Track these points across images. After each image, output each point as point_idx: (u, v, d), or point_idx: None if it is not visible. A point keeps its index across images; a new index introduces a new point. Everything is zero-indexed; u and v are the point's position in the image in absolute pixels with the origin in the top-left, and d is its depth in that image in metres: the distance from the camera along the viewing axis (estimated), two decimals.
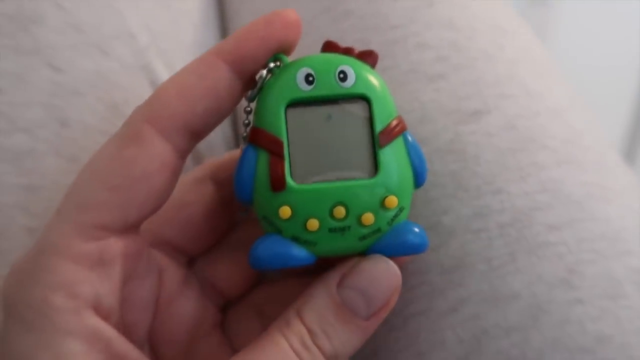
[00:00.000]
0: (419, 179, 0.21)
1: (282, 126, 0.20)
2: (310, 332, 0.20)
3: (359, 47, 0.22)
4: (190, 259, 0.24)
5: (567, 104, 0.27)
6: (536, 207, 0.23)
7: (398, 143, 0.21)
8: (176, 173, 0.21)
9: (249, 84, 0.21)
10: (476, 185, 0.24)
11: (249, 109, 0.21)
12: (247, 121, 0.21)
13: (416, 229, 0.21)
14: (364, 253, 0.21)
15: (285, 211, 0.20)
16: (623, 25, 0.75)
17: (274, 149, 0.20)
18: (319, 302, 0.20)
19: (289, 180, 0.20)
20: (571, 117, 0.26)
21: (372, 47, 0.26)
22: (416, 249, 0.21)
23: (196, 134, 0.20)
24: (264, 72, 0.21)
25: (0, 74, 0.25)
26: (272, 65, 0.21)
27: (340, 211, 0.20)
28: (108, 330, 0.19)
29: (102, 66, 0.27)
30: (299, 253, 0.20)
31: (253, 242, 0.22)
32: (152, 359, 0.22)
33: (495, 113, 0.25)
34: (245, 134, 0.22)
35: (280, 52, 0.21)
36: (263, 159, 0.20)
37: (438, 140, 0.24)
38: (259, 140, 0.20)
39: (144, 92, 0.27)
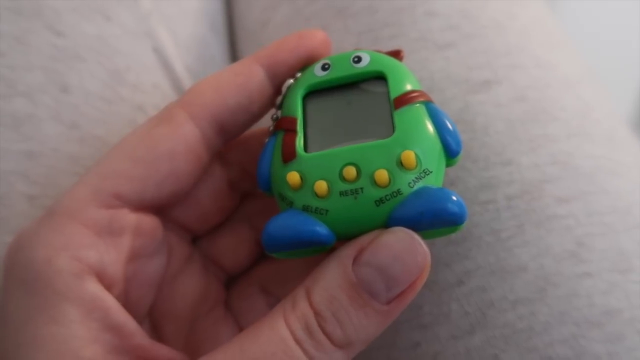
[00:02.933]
0: (450, 149, 0.19)
1: (297, 108, 0.21)
2: (318, 315, 0.17)
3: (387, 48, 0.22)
4: (195, 236, 0.24)
5: (579, 77, 0.26)
6: (546, 179, 0.23)
7: (418, 109, 0.19)
8: (201, 162, 0.21)
9: (279, 90, 0.22)
10: (485, 156, 0.23)
11: (275, 116, 0.22)
12: (271, 128, 0.22)
13: (453, 197, 0.18)
14: (385, 227, 0.18)
15: (293, 177, 0.19)
16: (624, 25, 0.74)
17: (288, 127, 0.20)
18: (331, 281, 0.18)
19: (299, 150, 0.19)
20: (583, 89, 0.26)
21: (379, 15, 0.26)
22: (450, 217, 0.17)
23: (225, 128, 0.21)
24: (291, 80, 0.22)
25: (0, 36, 0.24)
26: (299, 75, 0.22)
27: (350, 171, 0.18)
28: (108, 300, 0.19)
29: (104, 31, 0.26)
30: (317, 227, 0.18)
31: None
32: (152, 334, 0.22)
33: (505, 83, 0.24)
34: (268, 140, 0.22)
35: (310, 63, 0.22)
36: (279, 139, 0.20)
37: (447, 109, 0.24)
38: (278, 125, 0.21)
39: (146, 59, 0.27)
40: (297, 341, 0.17)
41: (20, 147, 0.24)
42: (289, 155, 0.19)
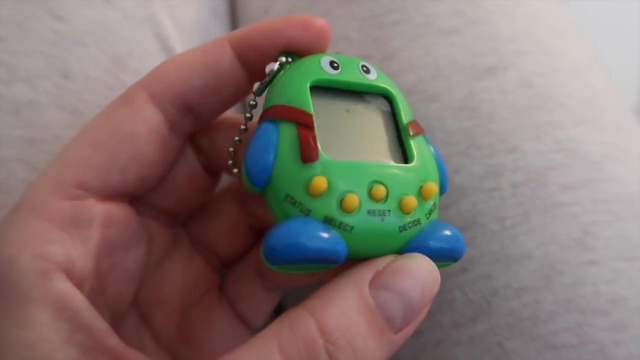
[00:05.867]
0: (444, 183, 0.19)
1: (308, 101, 0.18)
2: (330, 343, 0.15)
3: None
4: (181, 221, 0.23)
5: (586, 64, 0.26)
6: (551, 166, 0.23)
7: (425, 141, 0.19)
8: (167, 145, 0.20)
9: (256, 76, 0.20)
10: (490, 143, 0.23)
11: (253, 102, 0.20)
12: (249, 115, 0.20)
13: (458, 233, 0.18)
14: (399, 253, 0.17)
15: (319, 183, 0.16)
16: (624, 26, 0.73)
17: (303, 120, 0.17)
18: (347, 305, 0.15)
19: (322, 151, 0.17)
20: (589, 77, 0.25)
21: (384, 0, 0.26)
22: (459, 256, 0.18)
23: (194, 110, 0.20)
24: (276, 65, 0.19)
25: (0, 21, 0.24)
26: (283, 59, 0.20)
27: (380, 190, 0.17)
28: (77, 298, 0.17)
29: (105, 16, 0.26)
30: (337, 245, 0.16)
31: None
32: (141, 324, 0.22)
33: (511, 70, 0.24)
34: (244, 127, 0.20)
35: (290, 50, 0.19)
36: (287, 132, 0.17)
37: (451, 96, 0.24)
38: (282, 113, 0.18)
39: (148, 44, 0.26)
40: None
41: (20, 133, 0.24)
42: (310, 155, 0.17)
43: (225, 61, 0.19)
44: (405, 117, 0.19)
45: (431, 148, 0.19)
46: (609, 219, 0.22)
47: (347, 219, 0.16)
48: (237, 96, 0.20)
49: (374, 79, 0.19)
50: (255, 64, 0.20)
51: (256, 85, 0.20)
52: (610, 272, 0.21)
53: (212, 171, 0.23)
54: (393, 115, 0.19)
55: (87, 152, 0.18)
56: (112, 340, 0.18)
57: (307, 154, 0.17)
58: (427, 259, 0.17)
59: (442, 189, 0.19)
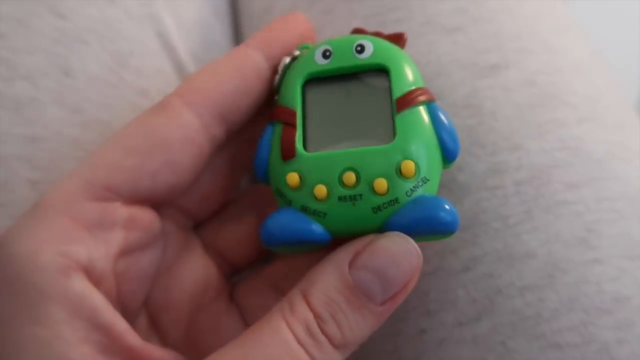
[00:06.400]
0: (448, 154, 0.19)
1: (296, 99, 0.20)
2: (318, 317, 0.18)
3: (388, 31, 0.21)
4: (196, 223, 0.23)
5: (589, 62, 0.26)
6: (555, 164, 0.22)
7: (420, 112, 0.19)
8: (202, 153, 0.20)
9: (276, 70, 0.21)
10: (493, 141, 0.23)
11: (277, 98, 0.21)
12: (275, 99, 0.21)
13: (446, 206, 0.18)
14: (380, 231, 0.19)
15: (293, 178, 0.19)
16: (626, 24, 0.73)
17: (287, 120, 0.20)
18: (329, 284, 0.18)
19: (299, 148, 0.19)
20: (593, 75, 0.25)
21: None
22: (443, 226, 0.18)
23: (227, 115, 0.20)
24: (287, 59, 0.21)
25: (1, 18, 0.24)
26: (297, 53, 0.21)
27: (350, 177, 0.18)
28: (96, 297, 0.18)
29: (107, 14, 0.26)
30: (312, 227, 0.19)
31: (261, 208, 0.21)
32: (150, 325, 0.22)
33: (514, 68, 0.24)
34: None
35: (307, 40, 0.21)
36: (277, 132, 0.20)
37: (454, 94, 0.23)
38: (276, 115, 0.20)
39: (150, 43, 0.26)
40: (300, 343, 0.17)
41: (22, 131, 0.24)
42: (288, 153, 0.19)
43: (251, 63, 0.21)
44: (400, 89, 0.19)
45: (427, 117, 0.19)
46: (613, 217, 0.22)
47: (320, 206, 0.19)
48: (265, 94, 0.21)
49: (368, 56, 0.20)
50: (279, 55, 0.21)
51: (276, 80, 0.21)
52: (614, 271, 0.21)
53: (239, 164, 0.23)
54: (390, 90, 0.20)
55: (118, 155, 0.19)
56: (131, 338, 0.18)
57: (284, 152, 0.19)
58: (403, 236, 0.18)
59: (447, 158, 0.20)
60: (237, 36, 0.32)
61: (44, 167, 0.24)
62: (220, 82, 0.20)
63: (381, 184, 0.18)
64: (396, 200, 0.18)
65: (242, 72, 0.20)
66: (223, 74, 0.20)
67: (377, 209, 0.18)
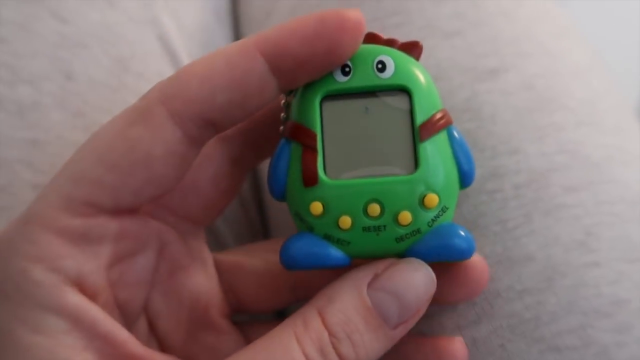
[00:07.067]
0: (465, 179, 0.20)
1: (316, 119, 0.19)
2: (333, 336, 0.17)
3: (402, 39, 0.20)
4: (202, 228, 0.23)
5: (588, 66, 0.26)
6: (553, 168, 0.23)
7: (441, 138, 0.19)
8: (185, 161, 0.19)
9: (289, 81, 0.19)
10: (492, 145, 0.23)
11: (284, 102, 0.21)
12: (284, 115, 0.21)
13: (462, 232, 0.19)
14: (400, 256, 0.19)
15: (317, 207, 0.19)
16: (626, 26, 0.73)
17: (307, 142, 0.19)
18: (347, 303, 0.18)
19: (321, 174, 0.19)
20: (591, 78, 0.25)
21: (386, 3, 0.26)
22: (460, 254, 0.19)
23: (214, 125, 0.18)
24: None
25: (3, 23, 0.24)
26: None
27: (374, 209, 0.19)
28: (93, 310, 0.18)
29: (108, 18, 0.26)
30: (334, 253, 0.19)
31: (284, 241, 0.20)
32: (149, 331, 0.22)
33: (513, 72, 0.24)
34: (282, 128, 0.21)
35: (334, 58, 0.19)
36: (296, 153, 0.19)
37: (454, 98, 0.24)
38: (293, 133, 0.20)
39: (151, 46, 0.27)
40: None
41: (24, 135, 0.24)
42: (311, 180, 0.19)
43: (254, 74, 0.18)
44: (423, 114, 0.19)
45: (447, 144, 0.19)
46: (612, 220, 0.22)
47: (344, 235, 0.19)
48: (264, 105, 0.19)
49: (390, 77, 0.19)
50: (290, 71, 0.18)
51: (286, 100, 0.20)
52: (613, 274, 0.21)
53: (241, 164, 0.22)
54: (411, 113, 0.19)
55: (98, 171, 0.18)
56: (134, 346, 0.18)
57: (307, 179, 0.19)
58: (422, 263, 0.19)
59: (464, 183, 0.20)
60: (238, 39, 0.32)
61: (45, 171, 0.24)
62: (212, 92, 0.18)
63: (405, 216, 0.19)
64: (418, 231, 0.19)
65: (240, 85, 0.18)
66: (218, 82, 0.18)
67: (399, 239, 0.19)
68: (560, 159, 0.23)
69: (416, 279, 0.18)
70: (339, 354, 0.17)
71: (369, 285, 0.18)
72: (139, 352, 0.18)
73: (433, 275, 0.19)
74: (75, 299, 0.17)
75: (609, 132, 0.24)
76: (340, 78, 0.19)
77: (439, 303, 0.22)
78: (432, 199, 0.19)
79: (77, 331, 0.17)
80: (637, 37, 0.72)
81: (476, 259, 0.21)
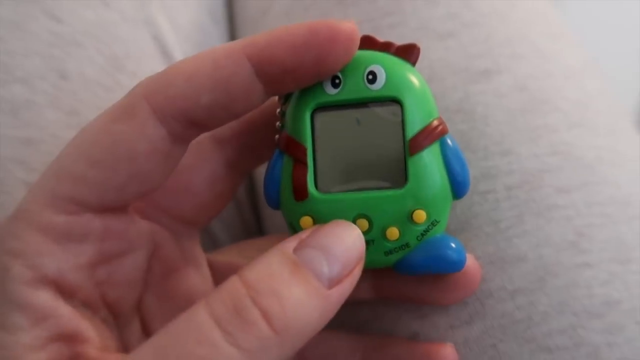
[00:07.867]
0: (459, 190, 0.20)
1: (307, 132, 0.19)
2: (252, 289, 0.16)
3: (399, 42, 0.20)
4: (198, 230, 0.23)
5: (581, 67, 0.26)
6: (546, 169, 0.23)
7: (434, 150, 0.19)
8: (171, 158, 0.19)
9: (275, 87, 0.19)
10: (484, 146, 0.23)
11: (279, 111, 0.21)
12: (279, 124, 0.21)
13: (452, 244, 0.19)
14: (391, 267, 0.20)
15: (307, 221, 0.19)
16: (625, 26, 0.73)
17: (298, 156, 0.19)
18: (270, 262, 0.17)
19: (311, 189, 0.19)
20: (584, 80, 0.26)
21: (380, 3, 0.26)
22: (450, 265, 0.20)
23: (198, 124, 0.18)
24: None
25: None
26: None
27: (363, 224, 0.19)
28: (61, 308, 0.18)
29: (102, 17, 0.26)
30: None
31: None
32: (142, 332, 0.21)
33: (506, 73, 0.24)
34: (277, 137, 0.21)
35: (324, 69, 0.18)
36: (288, 166, 0.20)
37: (446, 99, 0.24)
38: (285, 146, 0.20)
39: (145, 46, 0.27)
40: (218, 322, 0.15)
41: (18, 134, 0.24)
42: (301, 195, 0.19)
43: (239, 77, 0.18)
44: (415, 125, 0.19)
45: (439, 156, 0.19)
46: (604, 221, 0.22)
47: None
48: (250, 108, 0.19)
49: (380, 88, 0.19)
50: (277, 78, 0.18)
51: (281, 109, 0.20)
52: (605, 275, 0.21)
53: (237, 167, 0.22)
54: (403, 125, 0.19)
55: (82, 168, 0.18)
56: (91, 350, 0.18)
57: (297, 193, 0.19)
58: (348, 222, 0.18)
59: (457, 194, 0.20)
60: (233, 39, 0.32)
61: (39, 170, 0.24)
62: (197, 92, 0.17)
63: (393, 232, 0.19)
64: (407, 245, 0.19)
65: (225, 86, 0.18)
66: (202, 82, 0.17)
67: (388, 252, 0.19)
68: (553, 160, 0.23)
69: (340, 232, 0.18)
70: (260, 308, 0.15)
71: (295, 249, 0.17)
72: (95, 356, 0.18)
73: (358, 231, 0.18)
74: (44, 297, 0.17)
75: (602, 133, 0.24)
76: (330, 90, 0.19)
77: (431, 304, 0.22)
78: (420, 214, 0.19)
79: (38, 329, 0.17)
80: (637, 40, 0.72)
81: (469, 263, 0.21)
